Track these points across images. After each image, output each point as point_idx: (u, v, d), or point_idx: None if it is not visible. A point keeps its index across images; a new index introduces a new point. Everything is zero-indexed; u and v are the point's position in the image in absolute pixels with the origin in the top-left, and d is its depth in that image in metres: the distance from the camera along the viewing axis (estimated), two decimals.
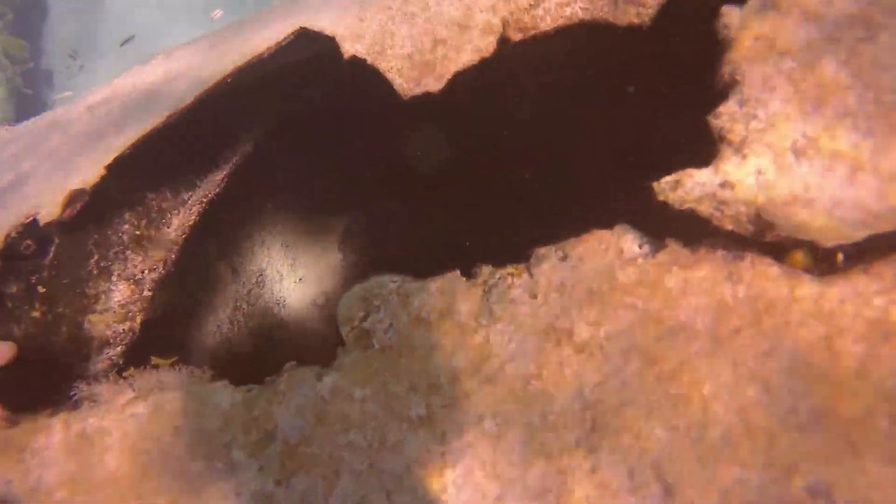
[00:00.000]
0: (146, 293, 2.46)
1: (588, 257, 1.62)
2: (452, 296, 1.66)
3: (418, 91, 2.17)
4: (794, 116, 1.52)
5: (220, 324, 2.43)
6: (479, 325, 1.61)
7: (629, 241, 1.62)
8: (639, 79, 2.10)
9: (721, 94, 1.65)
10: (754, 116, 1.56)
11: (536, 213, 1.77)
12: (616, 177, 1.71)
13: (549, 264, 1.65)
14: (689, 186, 1.55)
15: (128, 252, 2.47)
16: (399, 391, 1.56)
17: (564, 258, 1.65)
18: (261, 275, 2.20)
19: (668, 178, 1.58)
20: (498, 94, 2.20)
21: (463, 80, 2.14)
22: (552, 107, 2.15)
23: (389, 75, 2.19)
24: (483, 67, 2.14)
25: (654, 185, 1.59)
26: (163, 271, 2.48)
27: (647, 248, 1.60)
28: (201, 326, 2.55)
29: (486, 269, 1.70)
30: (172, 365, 1.86)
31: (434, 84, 2.15)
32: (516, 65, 2.17)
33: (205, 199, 2.58)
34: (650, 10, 2.08)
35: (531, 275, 1.65)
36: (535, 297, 1.61)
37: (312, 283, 2.06)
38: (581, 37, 2.13)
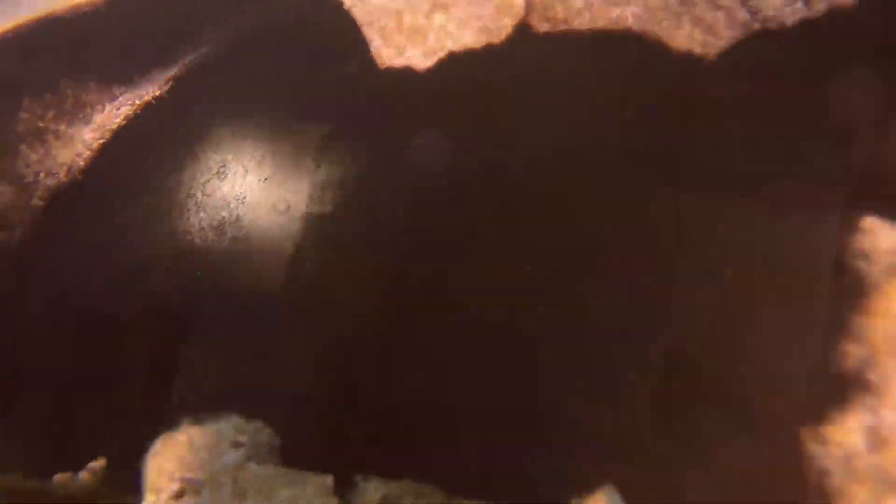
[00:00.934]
0: (35, 202, 2.03)
1: None
2: None
3: (398, 63, 1.67)
4: None
5: (166, 208, 2.01)
6: None
7: None
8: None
9: (838, 391, 1.00)
10: None
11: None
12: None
13: None
14: None
15: (20, 147, 2.01)
16: None
17: None
18: (223, 166, 1.83)
19: None
20: (497, 103, 1.68)
21: (457, 66, 1.64)
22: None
23: (367, 31, 1.67)
24: (487, 57, 1.63)
25: None
26: (63, 179, 2.04)
27: None
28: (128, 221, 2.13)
29: (374, 489, 1.24)
30: None
31: (420, 60, 1.65)
32: (531, 68, 1.66)
33: (140, 101, 2.08)
34: (721, 42, 1.57)
35: None
36: None
37: (278, 185, 1.71)
38: (620, 51, 1.62)
